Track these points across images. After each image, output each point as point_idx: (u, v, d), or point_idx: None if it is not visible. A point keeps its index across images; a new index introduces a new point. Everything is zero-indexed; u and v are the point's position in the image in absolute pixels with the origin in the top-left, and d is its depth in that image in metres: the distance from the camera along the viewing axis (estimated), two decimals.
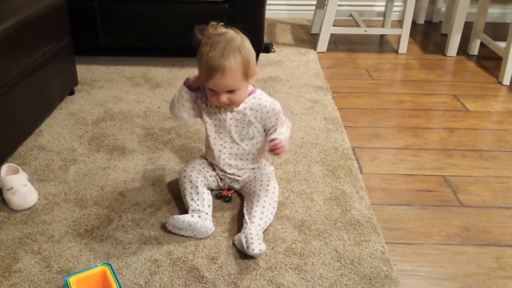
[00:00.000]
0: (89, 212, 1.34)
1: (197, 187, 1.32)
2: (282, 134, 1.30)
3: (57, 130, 1.77)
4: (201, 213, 1.27)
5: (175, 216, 1.24)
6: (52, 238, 1.24)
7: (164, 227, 1.28)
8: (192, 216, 1.25)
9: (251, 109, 1.31)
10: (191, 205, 1.29)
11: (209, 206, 1.31)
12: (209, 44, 1.20)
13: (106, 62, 2.38)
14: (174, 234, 1.26)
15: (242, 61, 1.20)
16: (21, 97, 1.60)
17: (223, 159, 1.36)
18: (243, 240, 1.17)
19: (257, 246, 1.15)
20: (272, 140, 1.26)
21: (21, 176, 1.41)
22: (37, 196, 1.38)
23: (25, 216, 1.32)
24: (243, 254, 1.19)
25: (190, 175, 1.35)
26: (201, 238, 1.25)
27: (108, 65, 2.35)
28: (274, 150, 1.25)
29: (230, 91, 1.23)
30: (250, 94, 1.31)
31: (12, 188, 1.35)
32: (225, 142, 1.35)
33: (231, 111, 1.31)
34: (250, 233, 1.18)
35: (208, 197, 1.33)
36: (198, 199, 1.30)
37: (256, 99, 1.31)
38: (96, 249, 1.21)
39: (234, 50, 1.19)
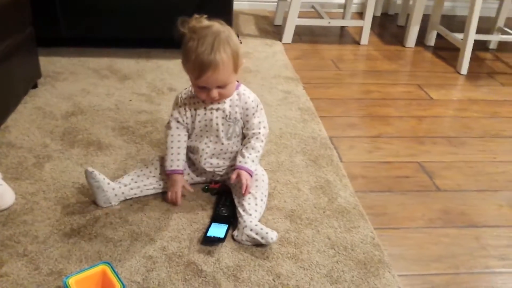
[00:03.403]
0: (73, 211, 1.29)
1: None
2: (250, 160, 1.28)
3: (24, 126, 1.67)
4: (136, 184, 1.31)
5: (95, 172, 1.25)
6: (36, 239, 1.18)
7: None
8: (109, 183, 1.26)
9: (236, 105, 1.29)
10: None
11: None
12: (195, 38, 1.17)
13: (68, 54, 2.28)
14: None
15: (232, 54, 1.18)
16: None
17: (205, 159, 1.34)
18: (253, 234, 1.17)
19: (272, 232, 1.16)
20: (238, 175, 1.26)
21: None
22: (14, 195, 1.31)
23: (4, 217, 1.25)
24: (238, 246, 1.19)
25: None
26: (190, 232, 1.23)
27: (71, 57, 2.25)
28: (242, 188, 1.25)
29: (221, 86, 1.21)
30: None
31: None
32: (210, 141, 1.32)
33: (217, 110, 1.28)
34: (256, 224, 1.18)
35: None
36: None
37: (240, 95, 1.30)
38: (86, 248, 1.16)
39: (224, 43, 1.17)
